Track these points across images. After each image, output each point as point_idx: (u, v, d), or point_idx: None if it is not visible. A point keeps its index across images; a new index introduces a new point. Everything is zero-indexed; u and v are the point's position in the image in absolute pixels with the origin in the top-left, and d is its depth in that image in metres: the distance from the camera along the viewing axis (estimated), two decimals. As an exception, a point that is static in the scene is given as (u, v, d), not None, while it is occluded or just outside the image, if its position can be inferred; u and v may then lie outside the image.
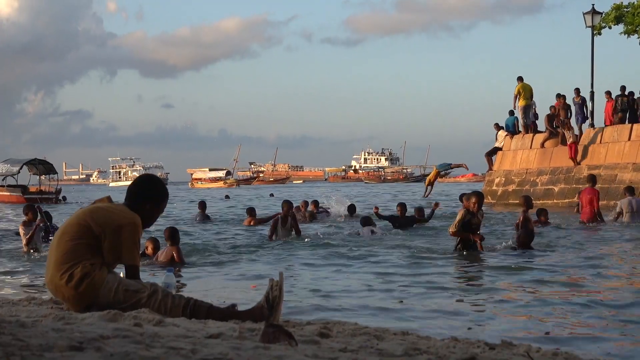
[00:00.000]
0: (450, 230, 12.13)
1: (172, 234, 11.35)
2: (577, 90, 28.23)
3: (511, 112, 31.00)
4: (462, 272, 10.25)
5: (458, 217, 12.03)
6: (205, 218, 23.29)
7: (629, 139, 25.10)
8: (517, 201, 18.38)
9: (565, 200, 25.75)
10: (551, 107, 28.80)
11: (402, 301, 7.63)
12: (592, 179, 18.60)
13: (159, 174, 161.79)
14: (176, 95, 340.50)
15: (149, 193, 5.46)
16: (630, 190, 18.32)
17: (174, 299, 5.05)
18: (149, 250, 11.61)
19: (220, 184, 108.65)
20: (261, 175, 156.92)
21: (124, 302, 4.96)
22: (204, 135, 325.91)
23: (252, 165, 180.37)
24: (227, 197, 49.61)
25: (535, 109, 30.20)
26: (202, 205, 24.21)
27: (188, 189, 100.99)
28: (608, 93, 27.83)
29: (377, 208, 19.76)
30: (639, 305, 7.26)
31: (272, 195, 52.42)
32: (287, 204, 15.82)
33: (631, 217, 17.47)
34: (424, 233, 16.70)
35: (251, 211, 21.56)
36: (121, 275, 5.29)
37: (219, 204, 37.86)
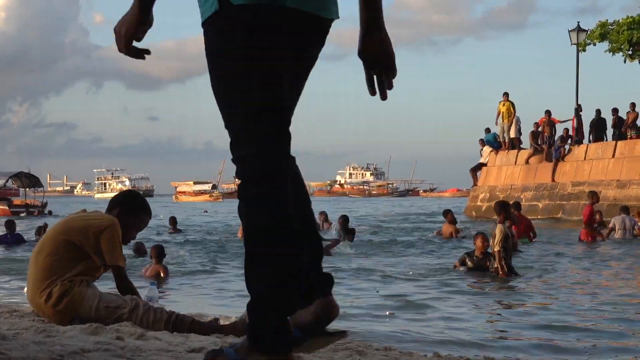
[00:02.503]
0: (495, 249, 10.58)
1: (159, 253, 11.40)
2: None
3: (487, 130, 31.21)
4: (459, 289, 9.88)
5: (499, 235, 10.47)
6: (177, 232, 23.33)
7: (613, 156, 25.25)
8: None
9: (550, 217, 25.85)
10: (535, 123, 29.02)
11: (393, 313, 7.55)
12: (591, 196, 18.92)
13: (144, 186, 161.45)
14: (162, 108, 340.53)
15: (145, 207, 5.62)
16: (625, 209, 18.74)
17: (155, 313, 5.03)
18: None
19: (206, 197, 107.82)
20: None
21: (105, 319, 4.93)
22: (190, 148, 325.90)
23: (236, 179, 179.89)
24: (205, 211, 49.01)
25: (519, 125, 30.34)
26: (173, 220, 24.22)
27: (172, 202, 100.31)
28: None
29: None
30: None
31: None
32: None
33: (623, 234, 17.98)
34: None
35: None
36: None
37: (197, 219, 37.43)
